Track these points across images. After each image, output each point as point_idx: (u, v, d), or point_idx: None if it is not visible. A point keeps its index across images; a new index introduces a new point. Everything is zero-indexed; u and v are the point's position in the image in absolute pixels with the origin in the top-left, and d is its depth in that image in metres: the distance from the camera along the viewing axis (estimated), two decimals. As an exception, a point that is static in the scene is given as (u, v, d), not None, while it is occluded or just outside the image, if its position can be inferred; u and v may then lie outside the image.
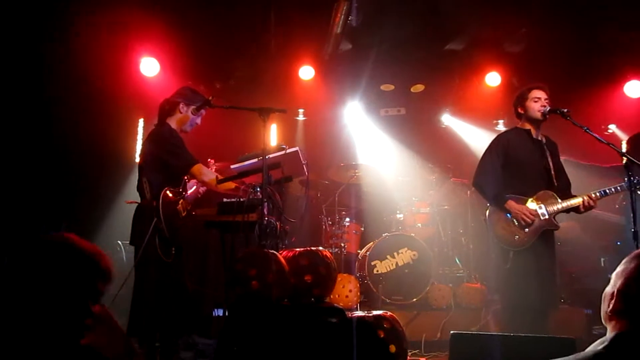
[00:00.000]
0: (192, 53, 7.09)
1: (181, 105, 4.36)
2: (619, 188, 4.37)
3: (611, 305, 1.69)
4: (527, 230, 4.38)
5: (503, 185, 4.52)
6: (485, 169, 4.63)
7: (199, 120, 4.44)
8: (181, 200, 4.21)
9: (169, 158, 4.18)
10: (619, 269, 1.77)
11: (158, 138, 4.29)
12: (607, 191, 4.39)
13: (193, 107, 4.36)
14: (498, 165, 4.57)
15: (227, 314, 4.20)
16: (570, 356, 1.60)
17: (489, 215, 4.54)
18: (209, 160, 4.66)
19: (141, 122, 7.43)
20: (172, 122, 4.37)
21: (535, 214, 4.38)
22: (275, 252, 2.93)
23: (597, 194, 4.40)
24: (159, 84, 7.06)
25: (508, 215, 4.42)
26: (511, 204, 4.41)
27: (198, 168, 4.22)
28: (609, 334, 1.65)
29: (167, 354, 4.08)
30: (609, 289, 1.78)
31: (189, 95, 4.40)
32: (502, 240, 4.44)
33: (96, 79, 6.39)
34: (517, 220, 4.39)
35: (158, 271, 3.98)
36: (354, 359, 2.66)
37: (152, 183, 4.10)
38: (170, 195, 4.10)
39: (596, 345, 1.60)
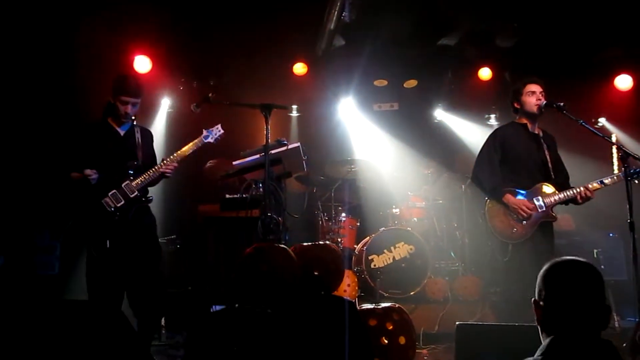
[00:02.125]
0: (185, 50, 7.08)
1: (111, 100, 4.29)
2: (615, 178, 4.44)
3: (535, 314, 1.81)
4: (524, 223, 4.44)
5: (501, 179, 4.58)
6: (483, 163, 4.68)
7: (128, 109, 4.26)
8: (112, 191, 4.17)
9: None
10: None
11: None
12: (604, 181, 4.45)
13: (117, 97, 4.24)
14: (496, 160, 4.63)
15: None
16: None
17: (487, 209, 4.59)
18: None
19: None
20: (110, 117, 4.34)
21: (532, 206, 4.44)
22: (284, 246, 2.95)
23: (595, 185, 4.46)
24: (152, 81, 7.03)
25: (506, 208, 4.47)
26: (508, 197, 4.47)
27: None
28: (544, 340, 1.75)
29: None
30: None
31: (112, 88, 4.29)
32: (501, 234, 4.50)
33: (90, 76, 6.35)
34: (514, 214, 4.45)
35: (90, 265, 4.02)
36: (361, 349, 2.69)
37: None
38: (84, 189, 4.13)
39: (537, 353, 1.68)
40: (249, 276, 2.73)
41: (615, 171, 6.79)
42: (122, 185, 4.17)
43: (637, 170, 4.29)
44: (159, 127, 7.39)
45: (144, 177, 4.24)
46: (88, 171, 4.10)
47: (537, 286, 1.80)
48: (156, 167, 4.28)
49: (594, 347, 1.65)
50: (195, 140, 4.39)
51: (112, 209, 4.14)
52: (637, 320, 3.02)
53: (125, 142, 4.34)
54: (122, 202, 4.14)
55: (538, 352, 1.67)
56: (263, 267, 2.68)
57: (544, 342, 1.72)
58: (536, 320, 1.78)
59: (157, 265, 4.29)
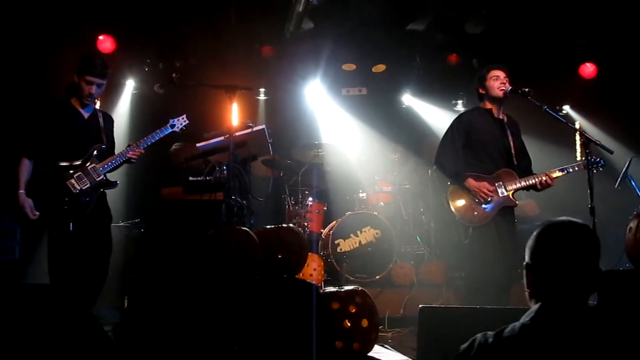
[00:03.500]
0: (150, 31, 6.92)
1: (75, 78, 4.18)
2: (575, 167, 4.51)
3: (525, 279, 1.73)
4: (485, 207, 4.48)
5: (464, 163, 4.60)
6: (446, 147, 4.69)
7: (92, 89, 4.16)
8: (77, 173, 4.10)
9: None
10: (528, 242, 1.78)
11: None
12: (566, 170, 4.52)
13: (82, 76, 4.14)
14: (459, 144, 4.64)
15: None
16: (503, 327, 1.60)
17: (449, 193, 4.62)
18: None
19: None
20: (73, 97, 4.24)
21: (493, 191, 4.48)
22: (246, 229, 2.91)
23: (556, 173, 4.52)
24: (116, 62, 6.87)
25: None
26: (470, 181, 4.50)
27: None
28: (533, 305, 1.67)
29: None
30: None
31: (78, 67, 4.18)
32: (462, 217, 4.54)
33: (52, 56, 6.18)
34: (476, 197, 4.49)
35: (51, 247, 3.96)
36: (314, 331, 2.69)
37: None
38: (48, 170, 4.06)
39: (524, 318, 1.62)
40: (209, 259, 2.70)
41: (578, 158, 6.91)
42: (88, 168, 4.10)
43: (598, 159, 4.38)
44: (123, 108, 7.24)
45: (110, 161, 4.19)
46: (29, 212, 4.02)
47: (528, 248, 1.73)
48: (123, 152, 4.22)
49: (582, 313, 1.60)
50: (162, 128, 4.37)
51: (77, 191, 4.07)
52: (595, 303, 3.10)
53: (89, 125, 4.26)
54: (88, 185, 4.08)
55: (526, 317, 1.60)
56: (224, 249, 2.65)
57: (532, 307, 1.65)
58: (525, 284, 1.73)
59: (107, 264, 4.25)
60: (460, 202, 4.55)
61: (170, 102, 6.80)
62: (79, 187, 4.06)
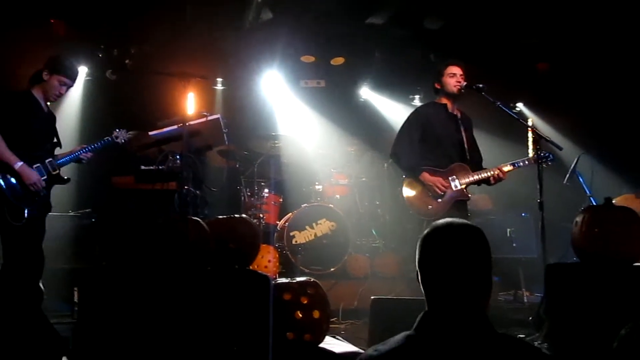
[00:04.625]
0: (104, 16, 6.74)
1: (44, 73, 4.15)
2: (526, 162, 4.61)
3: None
4: (439, 200, 4.55)
5: (419, 157, 4.65)
6: (402, 140, 4.75)
7: (63, 90, 4.22)
8: (36, 164, 4.07)
9: None
10: None
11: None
12: (517, 164, 4.61)
13: (57, 76, 4.15)
14: (415, 138, 4.70)
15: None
16: (388, 340, 1.50)
17: (404, 186, 4.67)
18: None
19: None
20: (36, 90, 4.19)
21: (447, 185, 4.55)
22: (197, 219, 2.87)
23: (508, 167, 4.61)
24: (68, 48, 6.66)
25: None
26: (425, 175, 4.56)
27: None
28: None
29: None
30: None
31: (54, 65, 4.19)
32: (417, 210, 4.60)
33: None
34: (430, 191, 4.55)
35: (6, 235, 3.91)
36: (270, 323, 2.68)
37: None
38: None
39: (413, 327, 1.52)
40: (159, 248, 2.65)
41: (530, 154, 7.07)
42: (46, 162, 4.12)
43: (547, 154, 4.48)
44: (75, 95, 7.03)
45: (64, 157, 4.23)
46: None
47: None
48: (77, 152, 4.29)
49: (468, 321, 1.46)
50: (106, 138, 4.44)
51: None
52: (543, 295, 3.19)
53: (48, 119, 4.30)
54: (45, 177, 4.08)
55: (414, 326, 1.49)
56: (173, 239, 2.61)
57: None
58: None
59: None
60: (415, 196, 4.60)
61: (124, 89, 6.66)
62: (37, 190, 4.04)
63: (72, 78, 4.21)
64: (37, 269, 4.02)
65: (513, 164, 4.62)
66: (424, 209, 4.56)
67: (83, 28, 6.82)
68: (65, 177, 4.30)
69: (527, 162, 4.61)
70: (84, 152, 4.31)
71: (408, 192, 4.63)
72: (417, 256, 1.58)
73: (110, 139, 4.42)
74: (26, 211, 3.94)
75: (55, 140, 4.29)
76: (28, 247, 3.97)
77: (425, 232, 1.58)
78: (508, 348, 1.44)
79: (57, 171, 4.16)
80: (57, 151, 4.34)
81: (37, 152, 4.11)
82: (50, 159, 4.15)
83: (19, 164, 3.91)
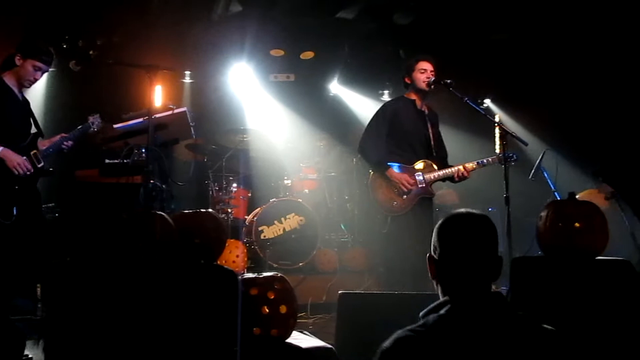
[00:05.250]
0: (69, 4, 6.58)
1: (17, 58, 4.00)
2: (490, 160, 4.64)
3: (429, 271, 1.76)
4: (404, 197, 4.56)
5: (386, 152, 4.66)
6: (370, 135, 4.75)
7: (38, 76, 4.07)
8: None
9: None
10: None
11: None
12: (482, 162, 4.65)
13: (31, 60, 4.00)
14: (383, 133, 4.70)
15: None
16: (421, 322, 1.62)
17: (371, 181, 4.68)
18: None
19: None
20: (8, 76, 4.04)
21: (413, 182, 4.56)
22: (162, 213, 2.82)
23: (472, 165, 4.65)
24: (31, 37, 6.48)
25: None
26: (392, 171, 4.57)
27: None
28: (442, 295, 1.71)
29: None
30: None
31: (28, 48, 4.03)
32: (382, 206, 4.62)
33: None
34: (396, 187, 4.55)
35: None
36: (239, 318, 2.66)
37: None
38: None
39: (434, 310, 1.65)
40: (123, 243, 2.60)
41: (497, 149, 7.15)
42: (31, 154, 3.98)
43: (512, 154, 4.49)
44: (39, 87, 6.83)
45: (48, 148, 4.10)
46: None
47: (432, 242, 1.76)
48: (57, 142, 4.16)
49: (487, 299, 1.64)
50: (84, 125, 4.30)
51: (23, 176, 3.93)
52: (508, 289, 3.24)
53: (25, 108, 4.14)
54: (32, 171, 3.95)
55: (440, 310, 1.62)
56: (137, 233, 2.56)
57: (442, 298, 1.68)
58: (430, 275, 1.75)
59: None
60: (381, 192, 4.61)
61: (88, 81, 6.51)
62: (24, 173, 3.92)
63: (48, 62, 4.05)
64: (31, 267, 3.91)
65: (478, 162, 4.65)
66: (389, 205, 4.58)
67: (47, 17, 6.65)
68: (50, 169, 4.16)
69: (491, 161, 4.65)
70: (65, 141, 4.16)
71: (375, 188, 4.64)
72: (433, 244, 1.74)
73: (88, 125, 4.28)
74: (15, 208, 3.81)
75: (36, 130, 4.13)
76: (21, 245, 3.87)
77: (442, 222, 1.74)
78: (529, 327, 1.58)
79: (42, 164, 4.02)
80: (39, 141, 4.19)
81: (19, 143, 3.95)
82: (35, 152, 4.00)
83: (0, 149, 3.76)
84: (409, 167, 4.63)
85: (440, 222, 1.75)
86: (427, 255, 1.76)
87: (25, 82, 4.03)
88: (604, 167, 5.85)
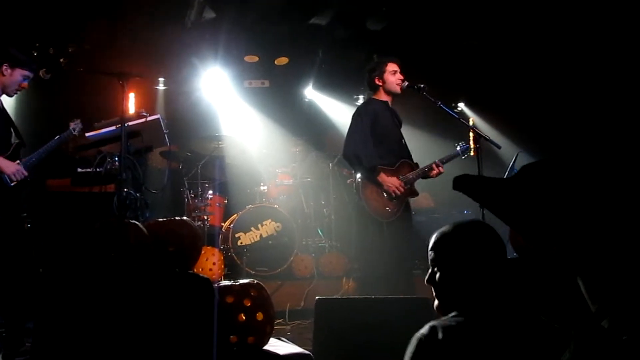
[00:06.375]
0: (40, 12, 6.49)
1: (4, 68, 3.95)
2: (452, 155, 4.81)
3: (428, 276, 1.77)
4: (395, 201, 4.54)
5: (376, 157, 4.58)
6: (359, 140, 4.61)
7: (25, 85, 4.06)
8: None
9: None
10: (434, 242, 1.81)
11: None
12: (445, 159, 4.75)
13: (20, 70, 3.97)
14: (369, 137, 4.61)
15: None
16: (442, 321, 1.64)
17: (361, 188, 4.53)
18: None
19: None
20: None
21: (403, 185, 4.56)
22: (135, 222, 2.79)
23: (443, 160, 4.72)
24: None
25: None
26: (383, 176, 4.50)
27: None
28: (436, 299, 1.75)
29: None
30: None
31: (15, 58, 4.01)
32: (377, 213, 4.50)
33: None
34: (387, 192, 4.52)
35: None
36: (215, 327, 2.64)
37: None
38: None
39: (450, 316, 1.65)
40: (96, 252, 2.56)
41: (472, 153, 7.23)
42: (18, 163, 3.93)
43: (465, 146, 4.69)
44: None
45: (31, 157, 4.05)
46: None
47: (438, 249, 1.75)
48: (41, 150, 4.11)
49: (501, 301, 1.68)
50: (66, 132, 4.28)
51: (12, 185, 3.88)
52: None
53: (4, 115, 4.06)
54: (29, 179, 3.97)
55: (458, 316, 1.63)
56: (110, 242, 2.52)
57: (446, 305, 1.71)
58: (426, 280, 1.77)
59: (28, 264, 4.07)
60: (373, 199, 4.51)
61: (60, 88, 6.42)
62: (15, 181, 3.87)
63: (34, 70, 4.04)
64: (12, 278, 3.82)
65: (442, 160, 4.72)
66: (382, 211, 4.50)
67: (16, 24, 6.55)
68: (28, 179, 4.09)
69: (453, 155, 4.78)
70: (47, 150, 4.12)
71: (366, 195, 4.52)
72: (444, 252, 1.73)
73: (70, 131, 4.25)
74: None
75: (18, 140, 4.05)
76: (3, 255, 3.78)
77: (452, 230, 1.75)
78: (538, 325, 1.63)
79: (26, 174, 3.96)
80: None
81: (2, 153, 3.87)
82: (19, 162, 3.94)
83: None
84: (393, 169, 4.61)
85: (449, 230, 1.75)
86: (430, 259, 1.76)
87: (12, 92, 4.01)
88: None
